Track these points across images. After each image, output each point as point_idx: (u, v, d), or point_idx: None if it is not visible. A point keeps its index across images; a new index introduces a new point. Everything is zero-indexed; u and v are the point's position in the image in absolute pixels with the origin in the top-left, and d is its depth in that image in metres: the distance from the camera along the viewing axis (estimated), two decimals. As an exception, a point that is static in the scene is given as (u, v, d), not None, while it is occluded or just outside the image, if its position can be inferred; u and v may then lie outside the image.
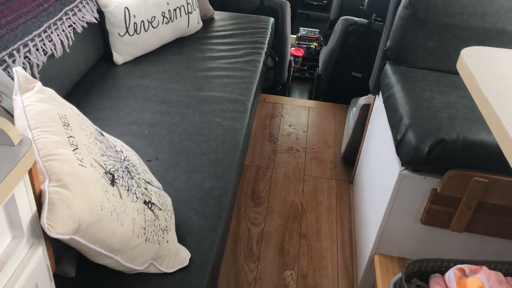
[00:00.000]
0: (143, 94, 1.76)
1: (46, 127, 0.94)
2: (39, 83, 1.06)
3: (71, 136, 0.97)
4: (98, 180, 0.94)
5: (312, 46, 3.53)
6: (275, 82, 2.99)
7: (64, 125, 0.99)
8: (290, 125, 2.63)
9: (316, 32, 3.57)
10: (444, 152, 1.32)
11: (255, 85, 1.92)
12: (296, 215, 2.02)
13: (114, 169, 1.04)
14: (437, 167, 1.36)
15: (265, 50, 2.23)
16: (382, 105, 1.73)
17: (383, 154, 1.64)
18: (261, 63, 2.10)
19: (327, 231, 1.96)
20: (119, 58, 1.96)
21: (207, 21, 2.41)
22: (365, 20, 2.61)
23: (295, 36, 3.52)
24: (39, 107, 0.99)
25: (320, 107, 2.84)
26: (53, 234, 0.81)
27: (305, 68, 3.53)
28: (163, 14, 2.03)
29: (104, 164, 1.02)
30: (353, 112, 2.26)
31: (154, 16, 2.00)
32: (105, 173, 1.00)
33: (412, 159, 1.36)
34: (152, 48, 2.06)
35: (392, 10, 1.71)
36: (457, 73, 1.67)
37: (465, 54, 1.10)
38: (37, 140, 0.92)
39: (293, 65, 3.28)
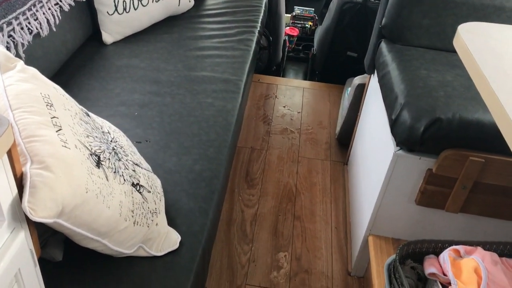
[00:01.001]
0: (133, 74, 1.72)
1: (28, 107, 0.91)
2: (21, 62, 1.03)
3: (54, 117, 0.93)
4: (82, 162, 0.91)
5: (307, 25, 3.48)
6: (269, 63, 2.94)
7: (47, 105, 0.95)
8: (284, 106, 2.60)
9: (311, 11, 3.51)
10: (439, 132, 1.29)
11: (247, 64, 1.88)
12: (290, 197, 2.00)
13: (100, 151, 1.01)
14: (432, 147, 1.34)
15: (258, 29, 2.18)
16: (377, 85, 1.70)
17: (378, 135, 1.61)
18: (254, 42, 2.06)
19: (321, 212, 1.94)
20: (108, 37, 1.91)
21: (198, 0, 2.35)
22: (360, -2, 2.56)
23: (289, 15, 3.46)
24: (21, 86, 0.96)
25: (315, 88, 2.80)
26: (35, 217, 0.78)
27: (300, 48, 3.48)
28: (153, -9, 1.98)
29: (90, 145, 0.99)
30: (348, 92, 2.22)
31: (144, -6, 1.95)
32: (90, 154, 0.97)
33: (407, 138, 1.33)
34: (142, 27, 2.01)
35: (387, -14, 1.67)
36: (454, 51, 1.64)
37: (462, 30, 1.06)
38: (19, 121, 0.88)
39: (287, 45, 3.23)
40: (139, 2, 1.94)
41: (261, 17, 2.29)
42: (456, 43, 1.06)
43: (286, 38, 3.23)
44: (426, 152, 1.36)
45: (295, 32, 3.33)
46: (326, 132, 2.41)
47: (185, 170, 1.32)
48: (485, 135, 1.29)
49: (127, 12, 1.90)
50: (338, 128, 2.35)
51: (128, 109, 1.55)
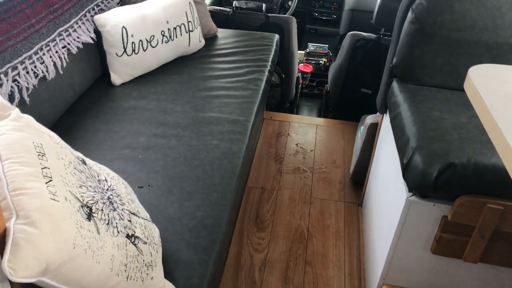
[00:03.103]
0: (140, 116, 1.70)
1: (18, 157, 0.88)
2: (16, 110, 1.01)
3: (45, 167, 0.90)
4: (72, 215, 0.87)
5: (321, 62, 3.46)
6: (282, 100, 2.91)
7: (38, 155, 0.92)
8: (297, 144, 2.55)
9: (325, 48, 3.50)
10: (454, 177, 1.22)
11: (256, 104, 1.85)
12: (302, 240, 1.92)
13: (92, 202, 0.97)
14: (446, 193, 1.27)
15: (268, 68, 2.16)
16: (390, 125, 1.64)
17: (390, 178, 1.55)
18: (264, 82, 2.03)
19: (334, 257, 1.86)
20: (117, 78, 1.91)
21: (210, 39, 2.35)
22: (373, 35, 2.53)
23: (303, 52, 3.45)
24: (13, 136, 0.93)
25: (328, 125, 2.75)
26: (15, 278, 0.74)
27: (314, 84, 3.46)
28: (162, 33, 1.98)
29: (82, 196, 0.95)
30: (361, 131, 2.17)
31: (153, 35, 1.95)
32: (82, 206, 0.93)
33: (419, 184, 1.27)
34: (151, 68, 2.01)
35: (398, 25, 1.63)
36: (468, 91, 1.59)
37: (473, 73, 1.01)
38: (8, 173, 0.85)
39: (301, 81, 3.20)
40: (149, 43, 1.94)
41: (271, 56, 2.27)
42: (466, 87, 1.01)
43: (300, 75, 3.21)
44: (440, 198, 1.29)
45: (309, 68, 3.31)
46: (340, 171, 2.35)
47: (187, 217, 1.27)
48: (503, 181, 1.21)
49: (136, 54, 1.90)
50: (352, 167, 2.28)
51: (132, 152, 1.52)
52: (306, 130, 2.67)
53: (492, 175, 1.21)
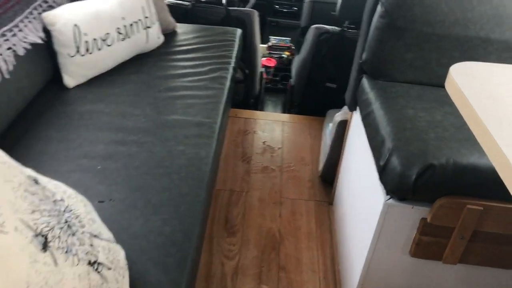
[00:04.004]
0: (97, 122, 1.58)
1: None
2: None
3: (-11, 194, 0.79)
4: (23, 248, 0.76)
5: (284, 55, 3.39)
6: (246, 96, 2.83)
7: (-20, 179, 0.80)
8: (264, 142, 2.47)
9: (288, 41, 3.43)
10: (433, 179, 1.18)
11: (222, 105, 1.76)
12: (274, 244, 1.86)
13: (48, 229, 0.86)
14: (425, 195, 1.22)
15: (232, 64, 2.07)
16: (361, 123, 1.59)
17: (365, 179, 1.49)
18: (229, 80, 1.94)
19: (307, 260, 1.80)
20: (70, 80, 1.77)
21: (169, 35, 2.23)
22: (337, 28, 2.48)
23: (265, 45, 3.37)
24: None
25: (294, 121, 2.69)
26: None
27: (278, 78, 3.39)
28: (118, 30, 1.85)
29: (35, 224, 0.84)
30: (330, 129, 2.11)
31: (108, 33, 1.82)
32: (35, 235, 0.82)
33: (397, 187, 1.22)
34: (108, 68, 1.88)
35: (366, 19, 1.58)
36: (440, 86, 1.55)
37: (455, 72, 0.95)
38: None
39: (264, 76, 3.13)
40: (103, 42, 1.81)
41: (235, 52, 2.18)
42: (448, 86, 0.96)
43: (263, 69, 3.13)
44: (419, 200, 1.25)
45: (272, 63, 3.24)
46: (308, 169, 2.29)
47: (154, 233, 1.17)
48: (482, 181, 1.18)
49: (90, 53, 1.77)
50: (321, 165, 2.23)
51: (90, 162, 1.40)
52: (273, 127, 2.60)
53: (471, 175, 1.17)
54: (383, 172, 1.25)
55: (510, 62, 1.48)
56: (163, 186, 1.32)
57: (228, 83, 1.92)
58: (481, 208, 1.19)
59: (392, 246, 1.34)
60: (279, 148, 2.43)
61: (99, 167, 1.38)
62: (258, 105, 3.09)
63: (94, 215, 1.10)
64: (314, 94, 2.72)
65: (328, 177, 2.13)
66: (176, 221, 1.21)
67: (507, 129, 0.76)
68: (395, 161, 1.21)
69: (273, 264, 1.77)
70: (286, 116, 2.76)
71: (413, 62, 1.52)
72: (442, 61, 1.51)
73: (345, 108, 2.37)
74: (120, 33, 1.86)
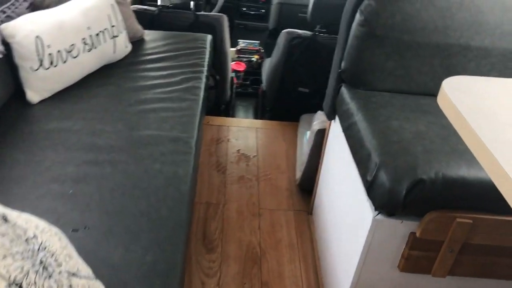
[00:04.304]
0: (65, 141, 1.48)
1: None
2: None
3: (-47, 243, 0.70)
4: (-5, 302, 0.68)
5: (253, 59, 3.34)
6: (218, 102, 2.76)
7: None
8: (238, 150, 2.41)
9: (256, 44, 3.38)
10: (423, 194, 1.15)
11: (197, 117, 1.69)
12: (255, 259, 1.80)
13: (22, 275, 0.78)
14: (415, 209, 1.19)
15: (205, 73, 2.00)
16: (341, 133, 1.56)
17: (349, 192, 1.46)
18: (203, 90, 1.87)
19: (290, 273, 1.76)
20: (33, 96, 1.66)
21: (137, 43, 2.14)
22: (308, 32, 2.44)
23: (234, 49, 3.31)
24: None
25: (268, 127, 2.64)
26: None
27: (248, 83, 3.33)
28: (83, 40, 1.75)
29: (7, 271, 0.76)
30: (307, 137, 2.07)
31: (73, 44, 1.72)
32: (9, 285, 0.74)
33: (387, 203, 1.18)
34: (74, 81, 1.77)
35: (344, 27, 1.54)
36: (420, 94, 1.53)
37: (447, 87, 0.92)
38: None
39: (235, 81, 3.07)
40: (68, 53, 1.70)
41: (207, 59, 2.11)
42: (441, 102, 0.92)
43: (233, 74, 3.07)
44: (408, 214, 1.22)
45: (242, 67, 3.18)
46: (285, 177, 2.25)
47: (135, 264, 1.10)
48: (472, 194, 1.16)
49: (54, 66, 1.66)
50: (298, 173, 2.19)
51: (61, 187, 1.31)
52: (246, 134, 2.55)
53: (461, 188, 1.15)
54: (371, 187, 1.22)
55: (489, 69, 1.48)
56: (141, 210, 1.25)
57: (202, 93, 1.85)
58: (471, 221, 1.17)
59: (381, 261, 1.31)
60: (254, 156, 2.38)
61: (70, 192, 1.29)
62: (229, 111, 3.02)
63: (70, 249, 1.01)
64: (287, 99, 2.68)
65: (306, 185, 2.09)
66: (157, 249, 1.14)
67: (504, 145, 0.75)
68: (383, 177, 1.18)
69: (255, 280, 1.72)
70: (259, 122, 2.71)
71: (393, 71, 1.49)
72: (422, 69, 1.49)
73: (320, 114, 2.34)
74: (86, 44, 1.76)
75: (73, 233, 1.16)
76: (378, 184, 1.19)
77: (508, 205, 1.16)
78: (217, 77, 2.62)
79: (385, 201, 1.18)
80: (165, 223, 1.22)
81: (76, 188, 1.30)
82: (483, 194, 1.16)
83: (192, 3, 2.56)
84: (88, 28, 1.77)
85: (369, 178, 1.23)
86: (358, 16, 1.46)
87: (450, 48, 1.45)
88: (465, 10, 1.39)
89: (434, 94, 1.53)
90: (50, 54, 1.64)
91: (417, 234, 1.22)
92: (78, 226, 1.19)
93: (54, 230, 1.02)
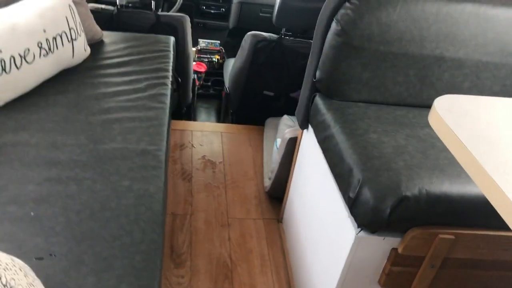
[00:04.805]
0: (23, 156, 1.36)
1: None
2: None
3: None
4: None
5: (214, 59, 3.26)
6: (179, 105, 2.67)
7: None
8: (203, 156, 2.34)
9: (217, 44, 3.30)
10: (407, 211, 1.13)
11: (166, 127, 1.61)
12: (226, 272, 1.74)
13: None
14: (398, 226, 1.18)
15: (170, 78, 1.91)
16: (315, 142, 1.52)
17: (328, 207, 1.42)
18: (169, 97, 1.79)
19: (263, 286, 1.71)
20: (-16, 105, 1.52)
21: (96, 46, 2.02)
22: (274, 35, 2.40)
23: (194, 49, 3.21)
24: None
25: (233, 131, 2.58)
26: None
27: (209, 84, 3.25)
28: (39, 44, 1.62)
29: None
30: (277, 145, 2.03)
31: (28, 48, 1.59)
32: None
33: (370, 221, 1.16)
34: (29, 89, 1.64)
35: (319, 36, 1.50)
36: (395, 104, 1.52)
37: (439, 107, 0.90)
38: None
39: (196, 83, 2.98)
40: (23, 58, 1.57)
41: (171, 63, 2.02)
42: (433, 122, 0.90)
43: (195, 75, 2.98)
44: (391, 231, 1.20)
45: (203, 67, 3.09)
46: (253, 184, 2.20)
47: (108, 295, 1.01)
48: (454, 209, 1.16)
49: (7, 73, 1.53)
50: (266, 180, 2.14)
51: (20, 208, 1.19)
52: (211, 139, 2.47)
53: (444, 205, 1.15)
54: (354, 205, 1.19)
55: (461, 80, 1.49)
56: (111, 234, 1.16)
57: (168, 100, 1.76)
58: (453, 236, 1.17)
59: (362, 277, 1.29)
60: (220, 162, 2.31)
61: (32, 214, 1.18)
62: (191, 114, 2.94)
63: (37, 283, 0.92)
64: (251, 102, 2.63)
65: (276, 193, 2.06)
66: (132, 277, 1.06)
67: (501, 166, 0.74)
68: (367, 194, 1.15)
69: (228, 295, 1.66)
70: (224, 126, 2.64)
71: (369, 81, 1.47)
72: (397, 80, 1.48)
73: (286, 118, 2.31)
74: (42, 48, 1.63)
75: (37, 261, 1.06)
76: (361, 202, 1.16)
77: (489, 220, 1.17)
78: (180, 79, 2.53)
79: (368, 218, 1.16)
80: (139, 248, 1.13)
81: (38, 210, 1.20)
82: (465, 210, 1.16)
83: (153, 2, 2.45)
84: (44, 31, 1.64)
85: (351, 195, 1.20)
86: (334, 25, 1.42)
87: (425, 59, 1.44)
88: (441, 22, 1.38)
89: (409, 105, 1.53)
90: (2, 59, 1.51)
91: (399, 250, 1.20)
92: (42, 253, 1.09)
93: (18, 264, 0.92)
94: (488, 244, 1.20)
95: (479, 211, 1.16)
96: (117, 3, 2.41)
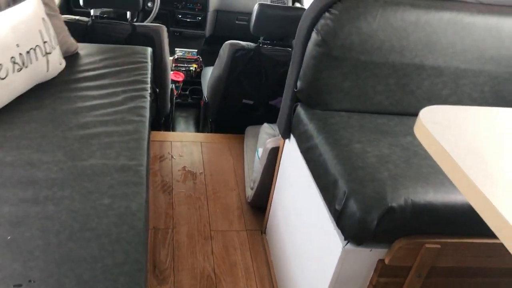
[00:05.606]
0: (-3, 176, 1.32)
1: None
2: None
3: None
4: None
5: (191, 68, 3.23)
6: (158, 115, 2.63)
7: None
8: (184, 167, 2.31)
9: (194, 53, 3.27)
10: (393, 222, 1.13)
11: (145, 141, 1.57)
12: (210, 286, 1.71)
13: None
14: (384, 237, 1.17)
15: (148, 90, 1.88)
16: (298, 152, 1.51)
17: (313, 219, 1.41)
18: (148, 110, 1.75)
19: (249, 300, 1.69)
20: (-45, 124, 1.47)
21: (71, 59, 1.98)
22: (252, 44, 2.38)
23: (171, 58, 3.18)
24: None
25: (213, 141, 2.56)
26: None
27: (187, 93, 3.22)
28: (12, 59, 1.58)
29: None
30: (259, 154, 2.01)
31: (1, 64, 1.54)
32: None
33: (357, 233, 1.15)
34: (3, 104, 1.59)
35: (299, 47, 1.49)
36: (376, 113, 1.53)
37: (425, 119, 0.90)
38: None
39: (174, 92, 2.94)
40: (-5, 74, 1.52)
41: (149, 75, 1.99)
42: (419, 134, 0.90)
43: (172, 85, 2.94)
44: (377, 242, 1.19)
45: (181, 77, 3.06)
46: (235, 194, 2.17)
47: (92, 321, 0.98)
48: (440, 219, 1.16)
49: (-21, 90, 1.48)
50: (248, 190, 2.12)
51: (-4, 232, 1.15)
52: (191, 149, 2.44)
53: (429, 214, 1.15)
54: (341, 217, 1.18)
55: (441, 87, 1.50)
56: (93, 255, 1.12)
57: (147, 113, 1.73)
58: (439, 246, 1.17)
59: (348, 289, 1.28)
60: (201, 173, 2.29)
61: (9, 238, 1.14)
62: (169, 124, 2.90)
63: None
64: (231, 111, 2.62)
65: (259, 203, 2.04)
66: (116, 301, 1.03)
67: (486, 177, 0.75)
68: (353, 206, 1.14)
69: (214, 310, 1.64)
70: (203, 136, 2.61)
71: (350, 91, 1.47)
72: (378, 88, 1.48)
73: (266, 126, 2.30)
74: (15, 63, 1.59)
75: (16, 288, 1.02)
76: (348, 214, 1.16)
77: (474, 228, 1.17)
78: (157, 90, 2.49)
79: (355, 231, 1.15)
80: (122, 270, 1.10)
81: (15, 233, 1.15)
82: (450, 218, 1.16)
83: (128, 13, 2.41)
84: (17, 45, 1.59)
85: (337, 207, 1.19)
86: (314, 36, 1.42)
87: (405, 67, 1.45)
88: (420, 31, 1.39)
89: (390, 113, 1.54)
90: (-27, 76, 1.46)
91: (386, 262, 1.20)
92: (21, 280, 1.04)
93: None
94: (473, 252, 1.21)
95: (464, 219, 1.16)
96: (91, 14, 2.36)
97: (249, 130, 2.53)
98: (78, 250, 1.13)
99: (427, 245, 1.16)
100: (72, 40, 2.01)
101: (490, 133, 0.89)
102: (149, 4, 3.14)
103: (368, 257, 1.21)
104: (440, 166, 0.83)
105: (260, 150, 1.99)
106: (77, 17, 2.33)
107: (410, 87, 1.49)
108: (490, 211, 0.71)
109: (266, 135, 2.15)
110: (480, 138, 0.87)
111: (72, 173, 1.37)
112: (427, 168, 1.24)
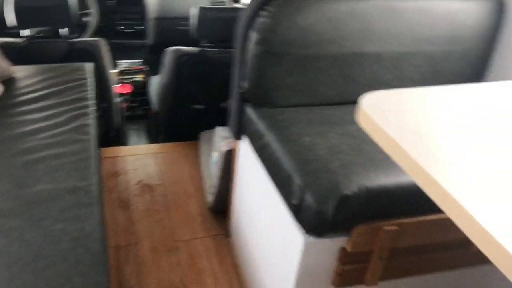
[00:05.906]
0: None
1: None
2: None
3: None
4: None
5: (137, 79, 3.17)
6: (107, 131, 2.57)
7: None
8: (139, 181, 2.26)
9: (139, 63, 3.22)
10: (350, 210, 1.15)
11: (94, 159, 1.53)
12: (180, 298, 1.69)
13: None
14: (343, 226, 1.19)
15: (92, 107, 1.83)
16: (252, 152, 1.51)
17: (273, 216, 1.41)
18: (94, 126, 1.71)
19: (220, 306, 1.68)
20: None
21: (7, 83, 1.90)
22: (196, 49, 2.37)
23: (115, 71, 3.11)
24: None
25: (167, 150, 2.52)
26: None
27: (136, 104, 3.16)
28: None
29: None
30: (214, 159, 2.00)
31: None
32: None
33: (316, 225, 1.16)
34: None
35: (240, 46, 1.49)
36: (321, 104, 1.55)
37: (366, 105, 0.91)
38: None
39: (122, 105, 2.88)
40: None
41: (91, 91, 1.94)
42: (362, 120, 0.91)
43: (120, 98, 2.88)
44: (337, 231, 1.21)
45: (127, 89, 3.01)
46: (195, 201, 2.15)
47: None
48: (394, 201, 1.18)
49: None
50: (208, 196, 2.10)
51: None
52: (145, 162, 2.40)
53: (383, 198, 1.17)
54: (299, 211, 1.18)
55: (382, 73, 1.54)
56: (50, 284, 1.08)
57: (94, 130, 1.68)
58: (397, 227, 1.19)
59: (315, 280, 1.29)
60: (158, 184, 2.25)
61: (-44, 278, 1.08)
62: (120, 138, 2.84)
63: None
64: (182, 118, 2.59)
65: (220, 208, 2.02)
66: (79, 328, 0.99)
67: (430, 156, 0.77)
68: (309, 199, 1.15)
69: (185, 321, 1.61)
70: (156, 147, 2.57)
71: (295, 86, 1.48)
72: (321, 80, 1.50)
73: (219, 129, 2.28)
74: None
75: (-31, 331, 0.97)
76: (305, 207, 1.16)
77: (427, 206, 1.20)
78: (103, 105, 2.44)
79: (314, 223, 1.16)
80: (83, 295, 1.06)
81: (-37, 272, 1.09)
82: (404, 199, 1.19)
83: (60, 30, 2.33)
84: None
85: (294, 201, 1.20)
86: (254, 35, 1.42)
87: (346, 57, 1.47)
88: (356, 20, 1.42)
89: (336, 103, 1.56)
90: None
91: (348, 249, 1.21)
92: (-26, 320, 0.99)
93: None
94: (431, 229, 1.24)
95: (417, 199, 1.19)
96: (24, 35, 2.28)
97: (203, 135, 2.51)
98: (33, 281, 1.08)
99: (385, 228, 1.18)
100: (6, 64, 1.93)
101: (426, 112, 0.92)
102: (84, 19, 3.07)
103: (330, 247, 1.23)
104: (384, 150, 0.84)
105: (215, 155, 1.97)
106: (9, 39, 2.24)
107: (352, 76, 1.51)
108: (435, 187, 0.73)
109: (221, 138, 2.14)
110: (418, 118, 0.90)
111: (20, 201, 1.31)
112: (376, 153, 1.26)
